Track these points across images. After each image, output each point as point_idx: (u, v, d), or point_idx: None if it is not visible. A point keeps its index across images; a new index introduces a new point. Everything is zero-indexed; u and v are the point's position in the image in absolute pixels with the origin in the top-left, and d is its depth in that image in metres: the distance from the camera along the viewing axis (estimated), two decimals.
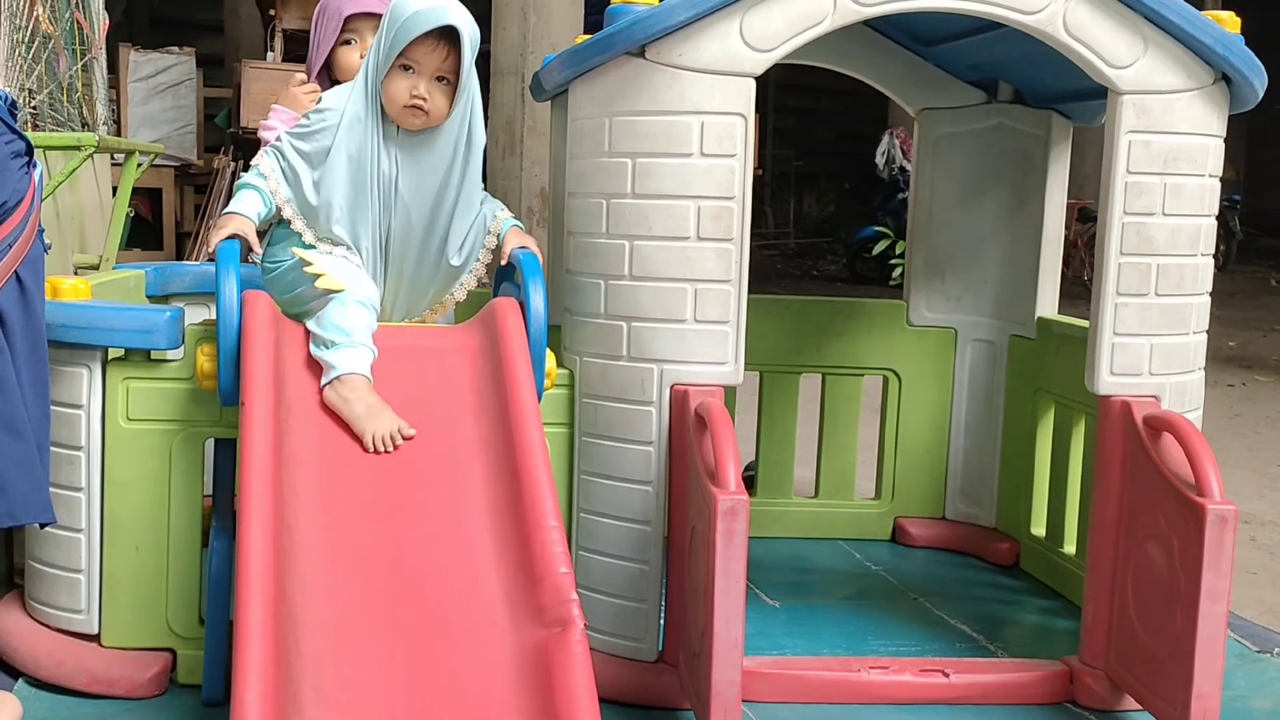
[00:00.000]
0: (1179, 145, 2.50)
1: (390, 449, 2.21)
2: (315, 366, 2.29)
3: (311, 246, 2.45)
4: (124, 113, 9.75)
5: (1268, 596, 3.43)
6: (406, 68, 2.39)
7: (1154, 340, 2.54)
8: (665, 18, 2.38)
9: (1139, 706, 2.48)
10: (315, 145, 2.43)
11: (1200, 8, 2.45)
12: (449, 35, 2.37)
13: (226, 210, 2.43)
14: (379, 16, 2.50)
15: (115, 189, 3.79)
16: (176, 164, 9.82)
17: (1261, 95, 2.60)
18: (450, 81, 2.41)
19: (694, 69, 2.40)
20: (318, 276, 2.37)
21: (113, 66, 9.62)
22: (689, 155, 2.42)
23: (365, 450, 2.20)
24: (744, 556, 2.16)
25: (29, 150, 2.09)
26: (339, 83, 2.64)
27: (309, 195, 2.44)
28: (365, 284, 2.42)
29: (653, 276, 2.46)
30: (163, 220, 9.74)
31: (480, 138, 2.52)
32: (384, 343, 2.38)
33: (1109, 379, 2.54)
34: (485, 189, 2.63)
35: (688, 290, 2.45)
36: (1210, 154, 2.56)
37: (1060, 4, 2.42)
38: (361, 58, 2.58)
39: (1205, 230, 2.59)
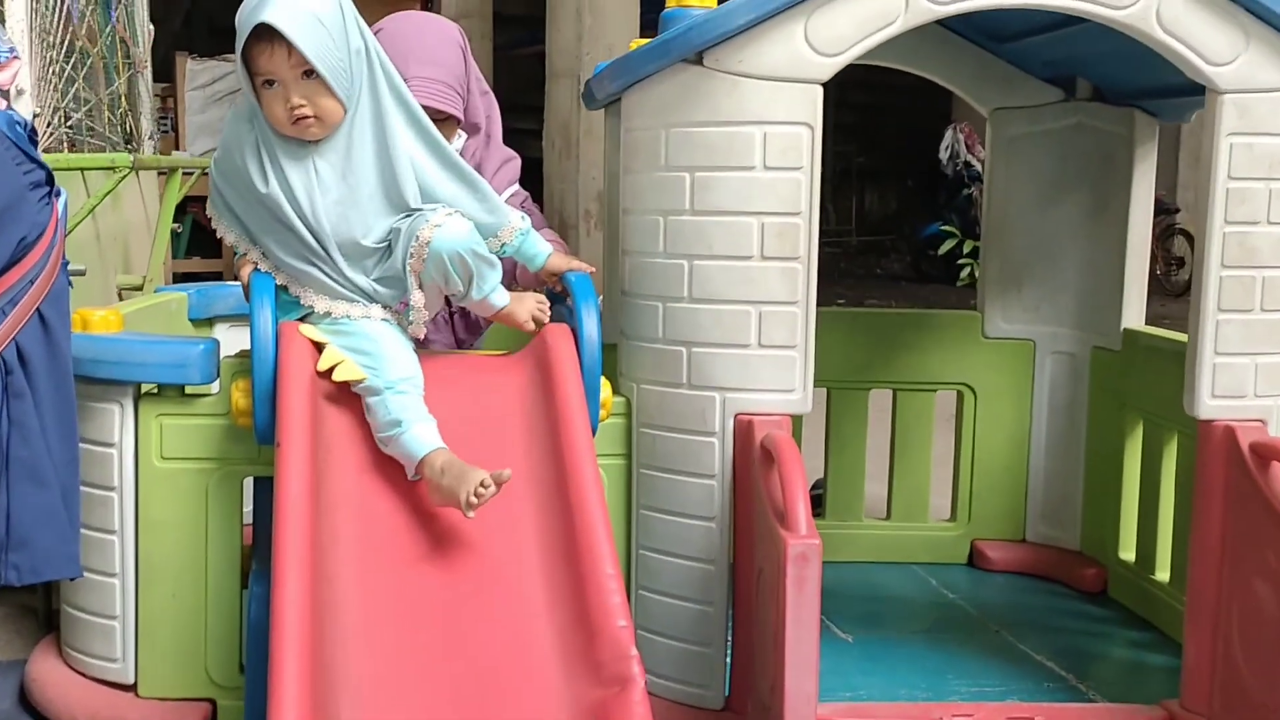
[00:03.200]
0: None
1: (484, 500, 1.97)
2: (355, 402, 2.15)
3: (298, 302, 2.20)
4: (182, 121, 9.77)
5: None
6: (269, 83, 2.06)
7: (1259, 360, 2.35)
8: (724, 22, 2.22)
9: None
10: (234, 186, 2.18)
11: None
12: (280, 33, 2.00)
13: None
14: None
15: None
16: None
17: None
18: (318, 74, 2.04)
19: (756, 76, 2.24)
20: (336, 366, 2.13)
21: (170, 75, 9.66)
22: (751, 168, 2.26)
23: (463, 514, 1.98)
24: (817, 604, 2.00)
25: (49, 180, 1.98)
26: None
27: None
28: (392, 359, 2.13)
29: (714, 298, 2.30)
30: None
31: (420, 115, 2.19)
32: (429, 372, 2.25)
33: (1210, 402, 2.35)
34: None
35: (751, 313, 2.29)
36: None
37: None
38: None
39: None
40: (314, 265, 2.15)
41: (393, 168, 2.14)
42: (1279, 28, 2.26)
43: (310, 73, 2.05)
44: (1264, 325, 2.33)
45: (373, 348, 2.14)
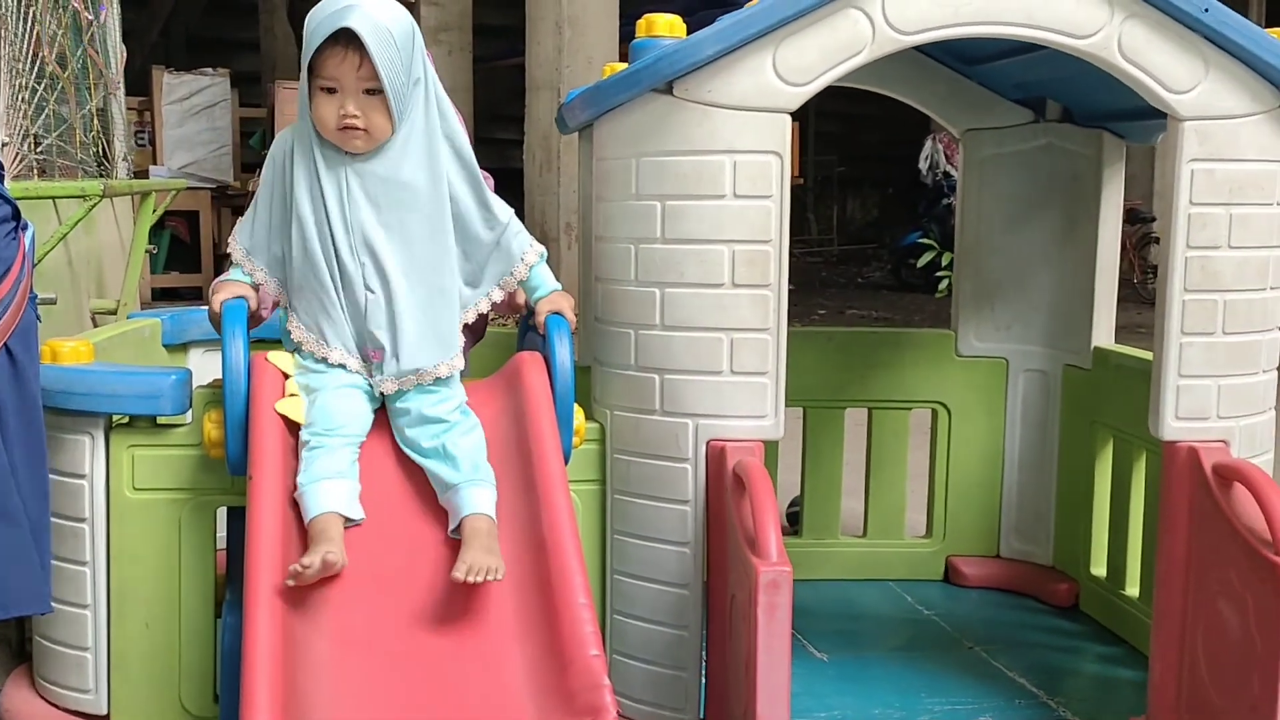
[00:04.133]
0: (1245, 173, 2.33)
1: (304, 579, 1.93)
2: None
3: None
4: (159, 136, 9.74)
5: None
6: (329, 90, 2.11)
7: (1222, 382, 2.38)
8: (694, 52, 2.24)
9: None
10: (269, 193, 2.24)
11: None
12: (358, 41, 2.06)
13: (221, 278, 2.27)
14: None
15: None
16: (213, 186, 9.80)
17: None
18: (380, 92, 2.10)
19: (725, 105, 2.26)
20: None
21: (146, 88, 9.63)
22: (721, 197, 2.28)
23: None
24: (788, 631, 2.01)
25: (16, 214, 1.98)
26: None
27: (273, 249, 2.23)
28: (332, 409, 2.12)
29: (686, 326, 2.32)
30: (200, 242, 9.72)
31: (461, 137, 2.26)
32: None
33: (1174, 424, 2.38)
34: (514, 205, 2.42)
35: (723, 340, 2.31)
36: (1278, 181, 2.38)
37: (1115, 26, 2.26)
38: None
39: (1275, 262, 2.41)
40: (322, 285, 2.16)
41: (440, 199, 2.19)
42: (1238, 56, 2.29)
43: (373, 90, 2.11)
44: (1226, 348, 2.36)
45: (321, 389, 2.15)
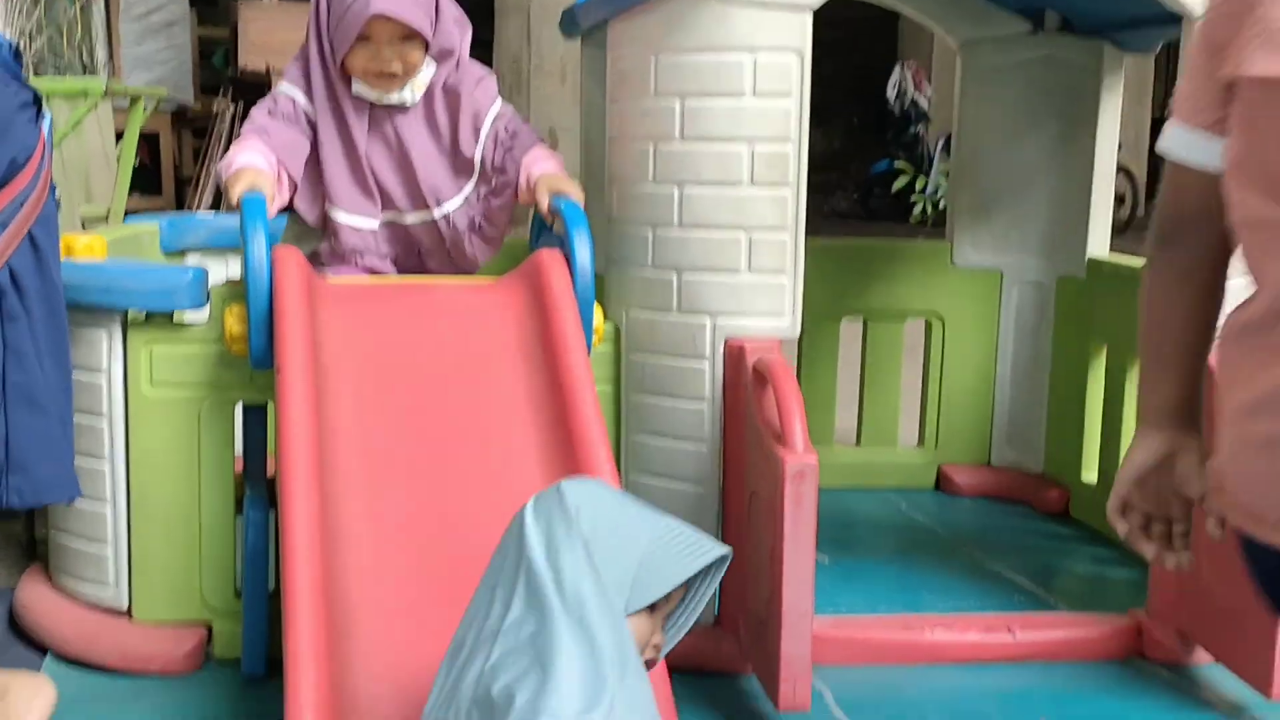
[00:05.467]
0: None
1: None
2: (352, 328, 2.16)
3: None
4: (117, 54, 9.51)
5: None
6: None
7: None
8: None
9: (1213, 659, 2.38)
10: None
11: None
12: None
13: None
14: (398, 22, 2.34)
15: (119, 135, 3.62)
16: (173, 107, 9.60)
17: None
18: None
19: (744, 3, 2.25)
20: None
21: (104, 5, 9.38)
22: (741, 95, 2.27)
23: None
24: (814, 521, 2.04)
25: (37, 100, 1.94)
26: (349, 79, 2.45)
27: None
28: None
29: (704, 224, 2.32)
30: (161, 165, 9.54)
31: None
32: (422, 300, 2.25)
33: None
34: None
35: (741, 239, 2.31)
36: None
37: None
38: (371, 59, 2.39)
39: None
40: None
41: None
42: None
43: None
44: None
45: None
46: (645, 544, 1.44)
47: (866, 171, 11.73)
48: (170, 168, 9.53)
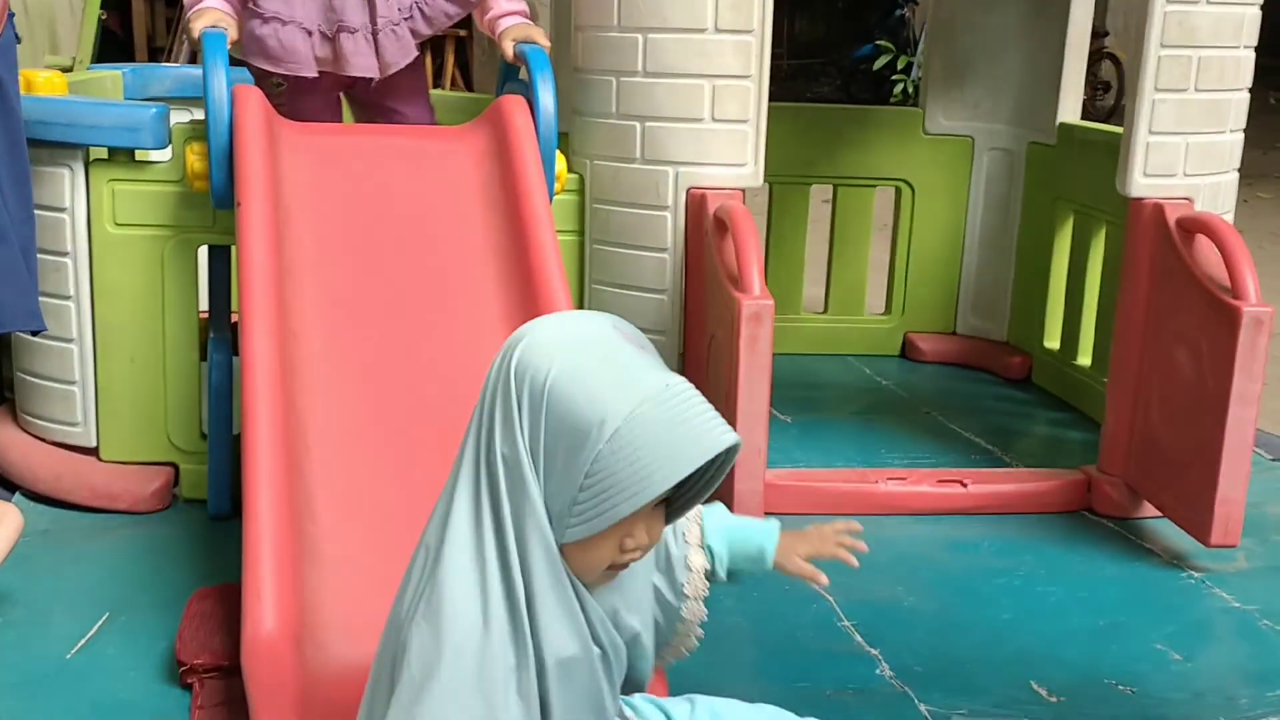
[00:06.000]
0: None
1: None
2: (314, 168, 2.15)
3: None
4: None
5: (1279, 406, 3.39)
6: None
7: (1190, 139, 2.43)
8: None
9: (1157, 513, 2.45)
10: None
11: None
12: None
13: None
14: None
15: None
16: None
17: None
18: None
19: None
20: None
21: None
22: None
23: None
24: (768, 363, 2.08)
25: None
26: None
27: None
28: None
29: (668, 72, 2.32)
30: (133, 35, 9.37)
31: None
32: (383, 143, 2.25)
33: (1141, 180, 2.43)
34: None
35: (705, 87, 2.31)
36: None
37: None
38: None
39: (1249, 19, 2.44)
40: None
41: None
42: None
43: None
44: (1197, 105, 2.41)
45: None
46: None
47: (851, 57, 11.60)
48: (144, 38, 9.36)
